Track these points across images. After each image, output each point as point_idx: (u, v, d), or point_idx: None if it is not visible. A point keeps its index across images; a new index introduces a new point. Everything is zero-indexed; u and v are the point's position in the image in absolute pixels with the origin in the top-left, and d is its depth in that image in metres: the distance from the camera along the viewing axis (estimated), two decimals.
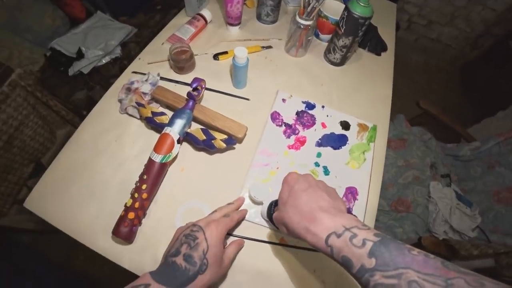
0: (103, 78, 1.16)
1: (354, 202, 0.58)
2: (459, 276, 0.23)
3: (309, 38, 0.72)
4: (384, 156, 0.66)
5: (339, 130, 0.65)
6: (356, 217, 0.33)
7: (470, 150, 1.17)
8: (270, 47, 0.78)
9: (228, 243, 0.48)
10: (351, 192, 0.59)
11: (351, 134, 0.65)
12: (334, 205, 0.34)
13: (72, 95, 1.14)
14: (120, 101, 0.67)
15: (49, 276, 1.12)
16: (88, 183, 0.57)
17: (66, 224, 0.54)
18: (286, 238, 0.53)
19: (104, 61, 1.19)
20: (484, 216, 1.01)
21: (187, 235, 0.41)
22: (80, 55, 1.17)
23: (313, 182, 0.38)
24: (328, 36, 0.77)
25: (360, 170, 0.61)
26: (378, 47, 0.83)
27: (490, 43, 2.02)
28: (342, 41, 0.69)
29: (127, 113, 0.65)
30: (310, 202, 0.35)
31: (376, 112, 0.72)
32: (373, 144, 0.65)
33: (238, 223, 0.53)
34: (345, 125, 0.66)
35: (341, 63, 0.77)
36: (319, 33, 0.80)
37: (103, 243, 0.52)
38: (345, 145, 0.64)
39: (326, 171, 0.60)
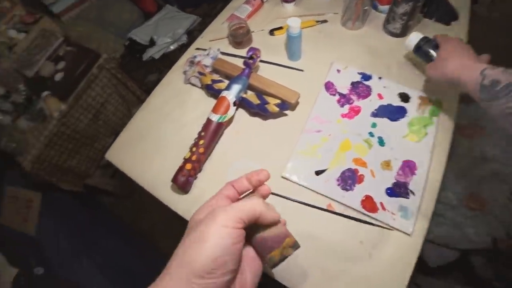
0: (171, 62, 1.28)
1: (412, 176, 0.54)
2: None
3: (365, 8, 0.69)
4: (451, 133, 0.60)
5: (397, 102, 0.61)
6: None
7: None
8: (325, 21, 0.77)
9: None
10: (409, 166, 0.55)
11: (410, 106, 0.61)
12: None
13: (145, 78, 1.29)
14: (184, 72, 0.74)
15: (119, 229, 1.30)
16: (155, 141, 0.66)
17: (136, 173, 0.63)
18: (333, 205, 0.53)
19: (172, 47, 1.32)
20: None
21: None
22: (152, 43, 1.32)
23: (465, 45, 0.54)
24: (387, 7, 0.72)
25: (420, 144, 0.57)
26: (446, 16, 0.74)
27: None
28: (402, 8, 0.64)
29: (190, 83, 0.72)
30: (467, 55, 0.51)
31: (442, 87, 0.65)
32: (437, 119, 0.59)
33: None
34: (404, 97, 0.62)
35: (402, 33, 0.71)
36: (378, 4, 0.76)
37: (164, 192, 0.59)
38: (403, 117, 0.59)
39: (381, 142, 0.57)
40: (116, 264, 1.14)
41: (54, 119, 1.10)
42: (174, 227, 0.58)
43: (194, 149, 0.55)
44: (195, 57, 0.75)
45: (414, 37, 0.63)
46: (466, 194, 0.91)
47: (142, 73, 1.29)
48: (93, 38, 1.39)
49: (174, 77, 0.76)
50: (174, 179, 0.54)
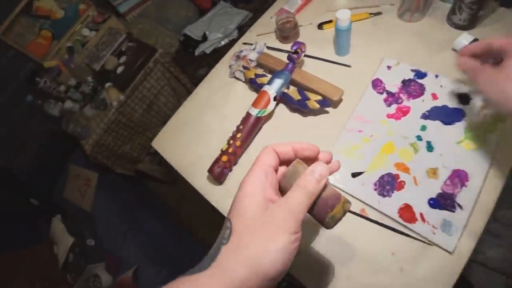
0: (220, 57, 1.34)
1: (461, 188, 0.48)
2: None
3: None
4: None
5: (454, 103, 0.55)
6: None
7: None
8: (379, 13, 0.72)
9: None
10: (459, 176, 0.49)
11: (470, 109, 0.54)
12: None
13: (196, 72, 1.36)
14: (230, 66, 0.77)
15: (162, 213, 1.42)
16: (198, 131, 0.70)
17: (176, 161, 0.68)
18: (367, 210, 0.50)
19: (223, 42, 1.36)
20: None
21: None
22: (204, 38, 1.39)
23: None
24: None
25: (477, 152, 0.50)
26: None
27: None
28: None
29: (235, 77, 0.75)
30: None
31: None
32: (504, 125, 0.52)
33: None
34: (464, 98, 0.55)
35: (469, 25, 0.63)
36: None
37: (200, 181, 0.63)
38: (459, 121, 0.53)
39: (430, 147, 0.52)
40: (156, 245, 1.26)
41: (113, 107, 1.23)
42: (211, 218, 0.61)
43: (231, 141, 0.57)
44: (241, 51, 0.77)
45: (463, 39, 0.57)
46: None
47: (194, 67, 1.37)
48: (152, 34, 1.51)
49: (221, 70, 0.79)
50: (210, 170, 0.57)
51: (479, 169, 0.49)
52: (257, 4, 1.52)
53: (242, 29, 1.43)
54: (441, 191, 0.49)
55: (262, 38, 0.81)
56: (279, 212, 0.24)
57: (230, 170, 0.60)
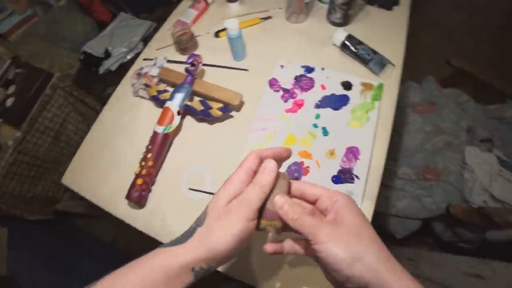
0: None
1: (356, 161, 0.56)
2: None
3: (306, 1, 0.70)
4: (393, 115, 0.62)
5: (339, 91, 0.63)
6: None
7: None
8: (269, 17, 0.77)
9: None
10: (352, 152, 0.57)
11: (353, 94, 0.63)
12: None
13: (103, 91, 1.26)
14: (132, 85, 0.73)
15: (98, 250, 1.28)
16: (111, 158, 0.65)
17: (93, 194, 0.62)
18: None
19: (128, 57, 1.29)
20: None
21: None
22: (107, 54, 1.29)
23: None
24: None
25: (363, 129, 0.59)
26: (388, 1, 0.77)
27: None
28: None
29: (139, 95, 0.72)
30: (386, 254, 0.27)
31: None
32: (378, 103, 0.62)
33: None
34: (347, 85, 0.64)
35: (344, 23, 0.73)
36: None
37: (121, 209, 0.59)
38: (345, 105, 0.62)
39: (325, 132, 0.59)
40: None
41: (9, 148, 1.06)
42: (156, 240, 0.58)
43: (143, 163, 0.55)
44: (141, 68, 0.75)
45: (339, 35, 0.66)
46: (422, 167, 0.96)
47: (100, 87, 1.27)
48: (45, 56, 1.34)
49: (125, 90, 0.75)
50: (128, 196, 0.54)
51: (367, 143, 0.58)
52: (160, 13, 1.48)
53: (147, 41, 1.37)
54: (340, 168, 0.56)
55: (162, 51, 0.79)
56: (238, 202, 0.30)
57: (149, 191, 0.58)
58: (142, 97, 0.71)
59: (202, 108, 0.59)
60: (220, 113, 0.58)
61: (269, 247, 0.34)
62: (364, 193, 0.54)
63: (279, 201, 0.30)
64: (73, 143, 1.25)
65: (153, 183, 0.58)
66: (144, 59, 0.79)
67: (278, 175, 0.32)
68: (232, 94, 0.60)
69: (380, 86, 0.64)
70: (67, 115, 1.21)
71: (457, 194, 0.92)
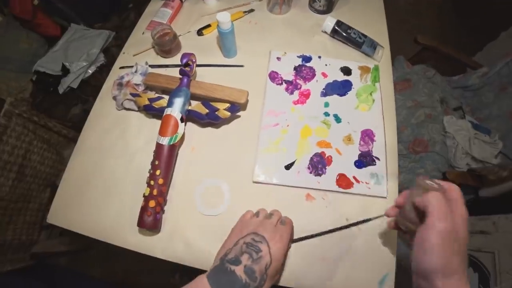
0: (94, 88, 1.15)
1: (373, 143, 0.56)
2: None
3: None
4: (393, 93, 0.63)
5: (341, 77, 0.63)
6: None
7: (478, 77, 1.12)
8: (252, 10, 0.74)
9: None
10: (368, 135, 0.57)
11: (354, 78, 0.63)
12: None
13: (68, 112, 1.13)
14: (114, 98, 0.65)
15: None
16: (103, 185, 0.57)
17: (91, 228, 0.54)
18: (311, 193, 0.52)
19: (90, 71, 1.17)
20: (504, 140, 0.97)
21: (249, 244, 0.37)
22: (65, 71, 1.15)
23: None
24: None
25: (371, 111, 0.59)
26: None
27: None
28: None
29: (125, 108, 0.64)
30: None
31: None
32: (379, 84, 0.63)
33: None
34: (346, 71, 0.63)
35: (328, 10, 0.73)
36: None
37: (132, 238, 0.51)
38: (350, 90, 0.61)
39: (338, 119, 0.58)
40: None
41: None
42: (152, 261, 0.51)
43: (152, 182, 0.49)
44: (122, 77, 0.67)
45: (329, 22, 0.66)
46: (411, 141, 1.01)
47: (63, 108, 1.13)
48: None
49: (104, 105, 0.66)
50: (140, 223, 0.47)
51: (378, 123, 0.58)
52: (117, 21, 1.37)
53: (108, 52, 1.26)
54: (360, 152, 0.55)
55: (140, 57, 0.72)
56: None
57: (163, 212, 0.52)
58: (129, 109, 0.64)
59: (207, 111, 0.54)
60: (228, 113, 0.54)
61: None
62: (387, 173, 0.54)
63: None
64: (41, 175, 1.09)
65: (165, 202, 0.52)
66: (121, 67, 0.71)
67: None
68: (237, 92, 0.56)
69: (377, 68, 0.65)
70: (29, 145, 1.06)
71: (443, 161, 0.97)
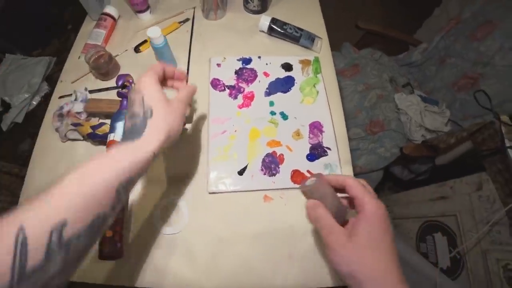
0: (41, 120, 1.08)
1: (322, 135, 0.57)
2: None
3: None
4: (336, 82, 0.66)
5: (283, 74, 0.64)
6: None
7: (420, 53, 1.19)
8: (187, 19, 0.74)
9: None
10: (316, 127, 0.58)
11: (296, 73, 0.64)
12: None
13: (16, 149, 1.05)
14: (57, 130, 0.62)
15: None
16: None
17: None
18: (268, 194, 0.53)
19: (35, 102, 1.10)
20: (451, 108, 1.04)
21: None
22: (5, 106, 1.08)
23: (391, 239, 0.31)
24: None
25: (317, 103, 0.61)
26: None
27: None
28: None
29: (69, 139, 0.61)
30: (387, 267, 0.29)
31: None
32: (321, 75, 0.64)
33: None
34: (287, 67, 0.65)
35: (263, 9, 0.74)
36: None
37: (99, 273, 0.49)
38: (293, 85, 0.62)
39: (284, 116, 0.59)
40: None
41: None
42: None
43: None
44: (61, 107, 0.64)
45: (264, 21, 0.67)
46: (367, 123, 1.05)
47: (10, 146, 1.05)
48: None
49: (47, 139, 0.63)
50: (101, 256, 0.46)
51: (325, 114, 0.59)
52: (57, 44, 1.30)
53: (51, 79, 1.19)
54: (310, 145, 0.56)
55: (79, 84, 0.68)
56: (178, 103, 0.39)
57: (124, 240, 0.50)
58: (74, 139, 0.61)
59: None
60: None
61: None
62: (339, 161, 0.55)
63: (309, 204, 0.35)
64: None
65: (123, 228, 0.50)
66: (60, 97, 0.67)
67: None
68: None
69: (317, 59, 0.66)
70: None
71: (401, 137, 1.03)
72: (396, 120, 1.05)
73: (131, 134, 0.33)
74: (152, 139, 0.33)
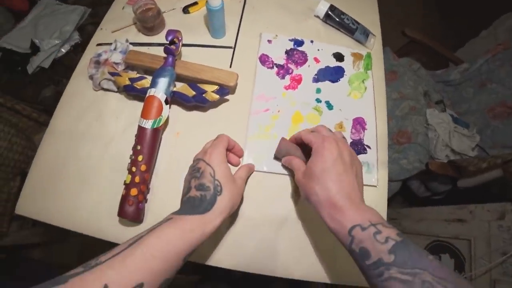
0: (68, 69, 1.06)
1: (364, 132, 0.55)
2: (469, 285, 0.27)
3: None
4: (384, 83, 0.63)
5: (333, 63, 0.61)
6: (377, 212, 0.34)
7: (460, 72, 1.15)
8: None
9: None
10: (359, 123, 0.56)
11: (346, 65, 0.61)
12: (361, 195, 0.36)
13: (39, 94, 1.04)
14: (91, 77, 0.60)
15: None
16: (77, 173, 0.52)
17: (66, 219, 0.49)
18: None
19: (63, 50, 1.08)
20: (481, 134, 1.01)
21: (191, 172, 0.41)
22: (34, 49, 1.06)
23: (349, 163, 0.37)
24: None
25: (363, 99, 0.58)
26: None
27: None
28: None
29: (102, 88, 0.59)
30: (341, 189, 0.35)
31: None
32: (371, 72, 0.61)
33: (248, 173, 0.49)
34: (339, 57, 0.62)
35: None
36: None
37: (112, 230, 0.48)
38: (342, 76, 0.59)
39: (330, 106, 0.56)
40: None
41: None
42: None
43: (134, 169, 0.45)
44: (99, 55, 0.61)
45: (322, 6, 0.63)
46: (396, 132, 1.02)
47: (33, 90, 1.03)
48: None
49: (79, 85, 0.61)
50: (121, 213, 0.44)
51: (370, 112, 0.57)
52: None
53: (84, 30, 1.16)
54: (351, 140, 0.54)
55: (119, 34, 0.66)
56: (242, 182, 0.44)
57: (146, 202, 0.48)
58: (107, 89, 0.59)
59: (194, 93, 0.50)
60: (217, 96, 0.51)
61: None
62: (377, 161, 0.53)
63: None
64: (9, 162, 1.00)
65: (148, 190, 0.48)
66: (99, 44, 0.65)
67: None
68: (226, 74, 0.52)
69: (369, 56, 0.63)
70: None
71: (425, 152, 1.00)
72: (424, 135, 1.01)
73: (200, 206, 0.36)
74: (219, 214, 0.36)
